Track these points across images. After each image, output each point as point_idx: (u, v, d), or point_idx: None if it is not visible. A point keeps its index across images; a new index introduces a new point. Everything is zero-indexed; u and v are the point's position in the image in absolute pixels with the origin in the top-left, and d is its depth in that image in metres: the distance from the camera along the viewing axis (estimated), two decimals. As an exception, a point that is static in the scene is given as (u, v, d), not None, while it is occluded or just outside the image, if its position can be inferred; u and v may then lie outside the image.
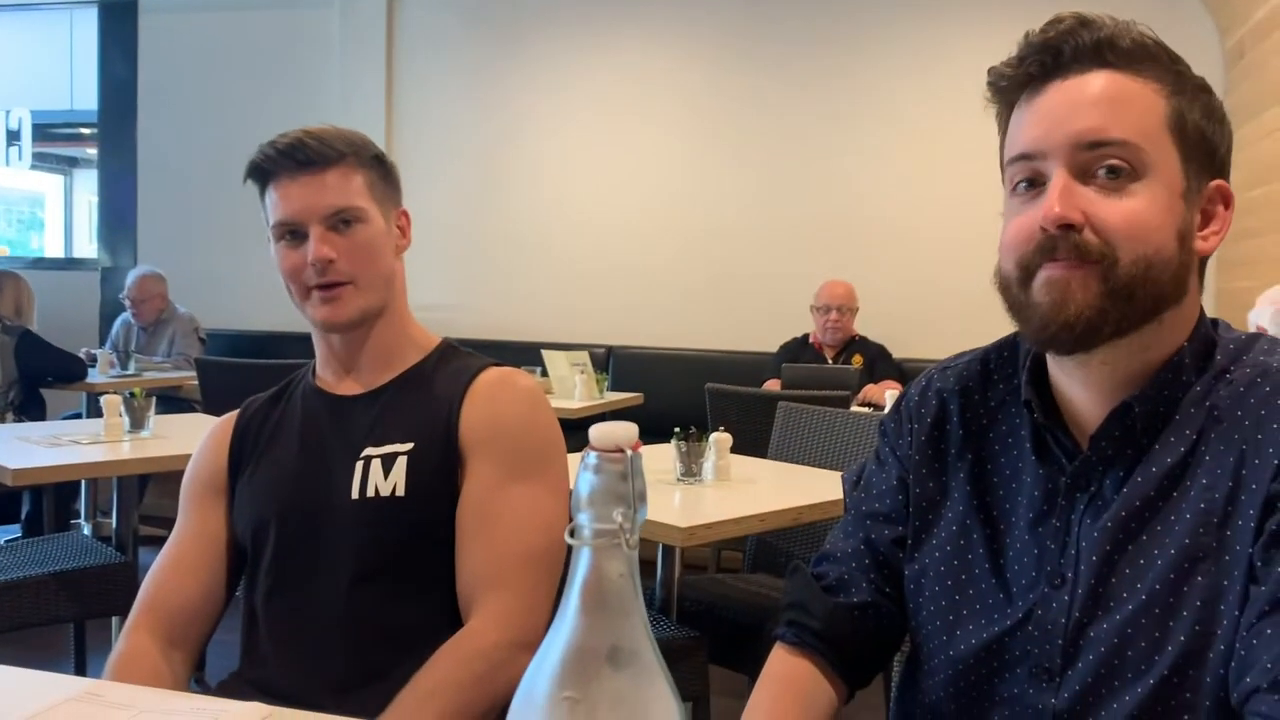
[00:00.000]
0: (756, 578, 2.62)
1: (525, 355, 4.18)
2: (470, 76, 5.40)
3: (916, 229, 4.84)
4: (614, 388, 4.63)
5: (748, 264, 5.11)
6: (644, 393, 4.54)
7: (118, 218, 5.78)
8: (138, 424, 2.75)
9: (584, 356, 4.27)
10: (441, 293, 5.03)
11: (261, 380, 3.77)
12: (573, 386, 4.09)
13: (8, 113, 6.22)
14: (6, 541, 4.07)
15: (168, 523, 4.01)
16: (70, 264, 6.44)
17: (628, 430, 0.54)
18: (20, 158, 6.27)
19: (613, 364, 5.09)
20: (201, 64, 5.68)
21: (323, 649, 1.29)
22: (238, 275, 5.53)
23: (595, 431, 0.54)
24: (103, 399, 2.75)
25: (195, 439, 2.81)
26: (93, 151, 7.28)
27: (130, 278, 4.91)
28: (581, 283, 5.36)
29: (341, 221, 1.32)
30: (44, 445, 2.60)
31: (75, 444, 2.67)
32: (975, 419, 1.00)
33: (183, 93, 5.69)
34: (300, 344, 4.66)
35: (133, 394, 2.77)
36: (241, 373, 3.90)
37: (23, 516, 4.33)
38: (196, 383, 4.19)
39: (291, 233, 1.32)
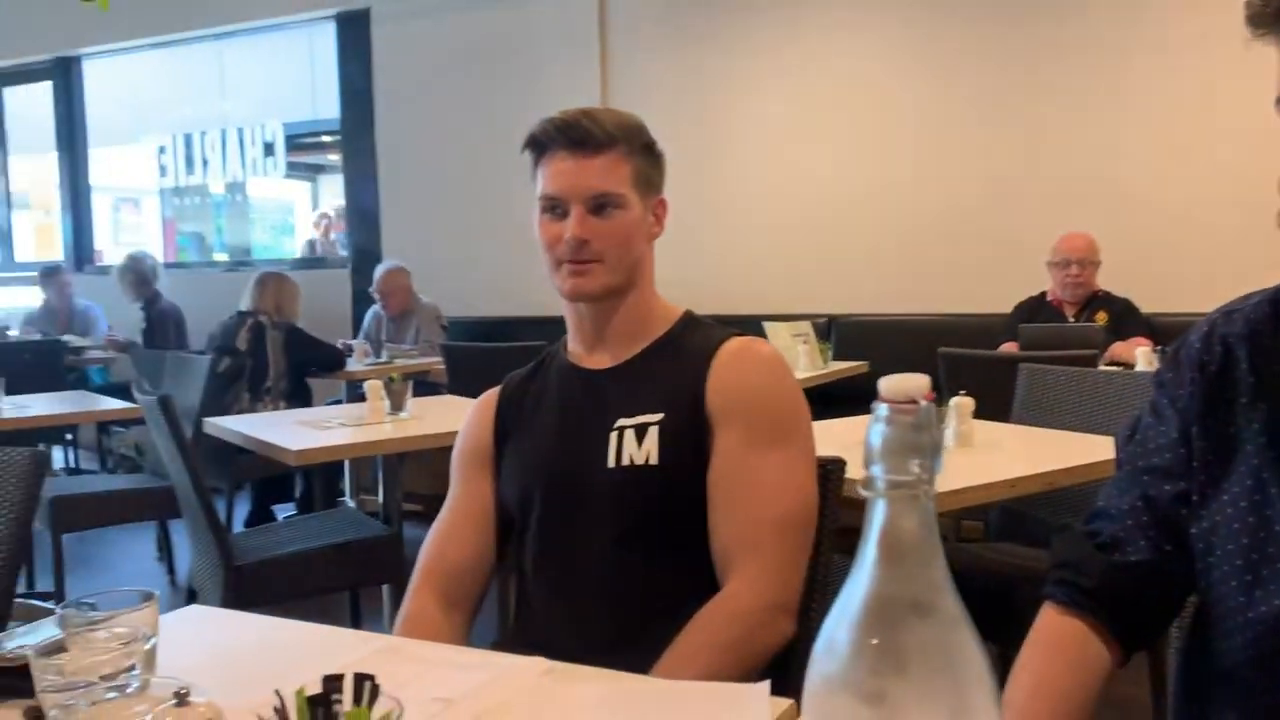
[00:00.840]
0: (1002, 546, 2.53)
1: (746, 328, 4.15)
2: (682, 49, 5.44)
3: (1159, 177, 4.50)
4: (837, 357, 4.57)
5: (973, 223, 4.91)
6: (869, 361, 4.46)
7: (363, 217, 6.21)
8: (397, 406, 2.95)
9: (806, 327, 4.23)
10: (661, 269, 5.08)
11: (501, 362, 3.97)
12: (796, 357, 4.07)
13: (263, 126, 6.79)
14: (286, 519, 4.49)
15: (423, 498, 4.27)
16: (319, 263, 6.97)
17: (919, 381, 0.55)
18: (275, 168, 6.84)
19: (835, 333, 5.02)
20: (428, 67, 6.00)
21: (587, 611, 1.35)
22: (474, 266, 5.83)
23: (885, 383, 0.55)
24: (365, 384, 2.98)
25: (448, 419, 3.00)
26: (335, 158, 7.85)
27: (377, 272, 5.27)
28: (799, 253, 5.31)
29: (601, 205, 1.37)
30: (318, 429, 2.84)
31: (344, 426, 2.90)
32: (1267, 364, 0.93)
33: (414, 95, 6.03)
34: (533, 327, 4.87)
35: (391, 379, 2.98)
36: (483, 356, 4.13)
37: (297, 495, 4.76)
38: (442, 367, 4.47)
39: (554, 207, 1.38)
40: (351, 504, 4.62)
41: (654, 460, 1.34)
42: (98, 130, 7.60)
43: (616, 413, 1.39)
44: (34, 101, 7.73)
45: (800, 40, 5.25)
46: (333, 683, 0.76)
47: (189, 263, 7.42)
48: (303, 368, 4.51)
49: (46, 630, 1.12)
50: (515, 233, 5.74)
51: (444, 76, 5.95)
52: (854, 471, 1.48)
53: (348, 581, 2.89)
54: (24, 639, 1.09)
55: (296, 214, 8.99)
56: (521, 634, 1.42)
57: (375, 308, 5.37)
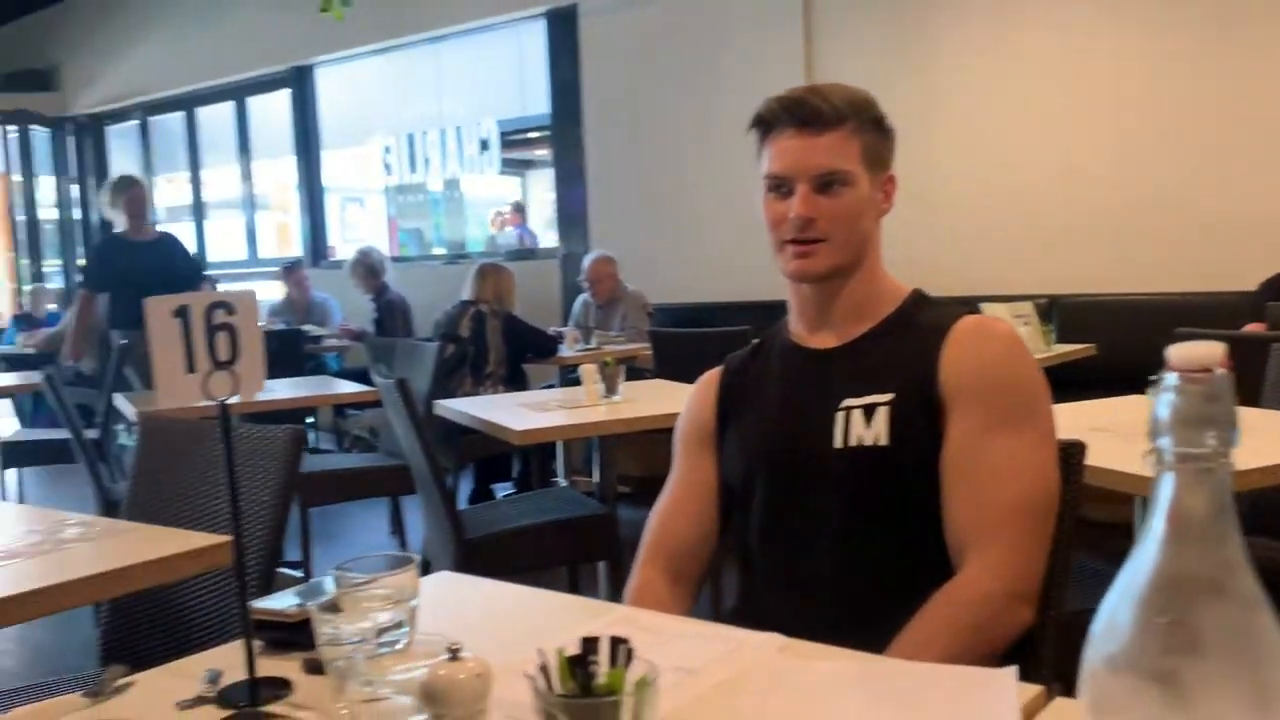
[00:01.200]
0: (1256, 540, 2.34)
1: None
2: (887, 25, 5.31)
3: None
4: (1060, 340, 4.34)
5: (1193, 196, 4.55)
6: (1095, 343, 4.21)
7: (572, 209, 6.40)
8: (611, 390, 3.03)
9: (1027, 308, 4.05)
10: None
11: (706, 346, 4.01)
12: (1018, 340, 3.89)
13: (478, 124, 7.10)
14: (504, 496, 4.70)
15: (632, 480, 4.35)
16: (528, 254, 7.23)
17: (1214, 349, 0.52)
18: (490, 164, 7.14)
19: (1056, 314, 4.77)
20: (633, 58, 6.10)
21: (815, 592, 1.35)
22: (677, 254, 5.90)
23: (1175, 351, 0.52)
24: (580, 369, 3.07)
25: (659, 401, 3.06)
26: (544, 153, 8.13)
27: (586, 261, 5.43)
28: (1013, 231, 5.08)
29: (828, 183, 1.35)
30: (538, 411, 2.96)
31: (561, 409, 3.01)
32: None
33: (620, 87, 6.15)
34: (736, 312, 4.88)
35: (606, 363, 3.06)
36: (689, 341, 4.17)
37: (514, 475, 4.97)
38: (649, 352, 4.55)
39: (779, 186, 1.38)
40: (564, 484, 4.77)
41: (883, 441, 1.32)
42: (328, 134, 8.15)
43: (843, 393, 1.37)
44: (273, 110, 8.38)
45: (1008, 10, 5.01)
46: (590, 644, 0.79)
47: (409, 257, 7.85)
48: (519, 353, 4.70)
49: (310, 592, 1.23)
50: (718, 220, 5.77)
51: (648, 66, 6.03)
52: (1095, 457, 1.41)
53: (566, 556, 3.00)
54: (295, 599, 1.19)
55: (508, 210, 9.35)
56: (745, 612, 1.44)
57: (584, 295, 5.52)
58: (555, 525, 2.85)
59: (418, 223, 8.48)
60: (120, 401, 3.78)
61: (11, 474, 5.43)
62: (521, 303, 5.00)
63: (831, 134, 1.35)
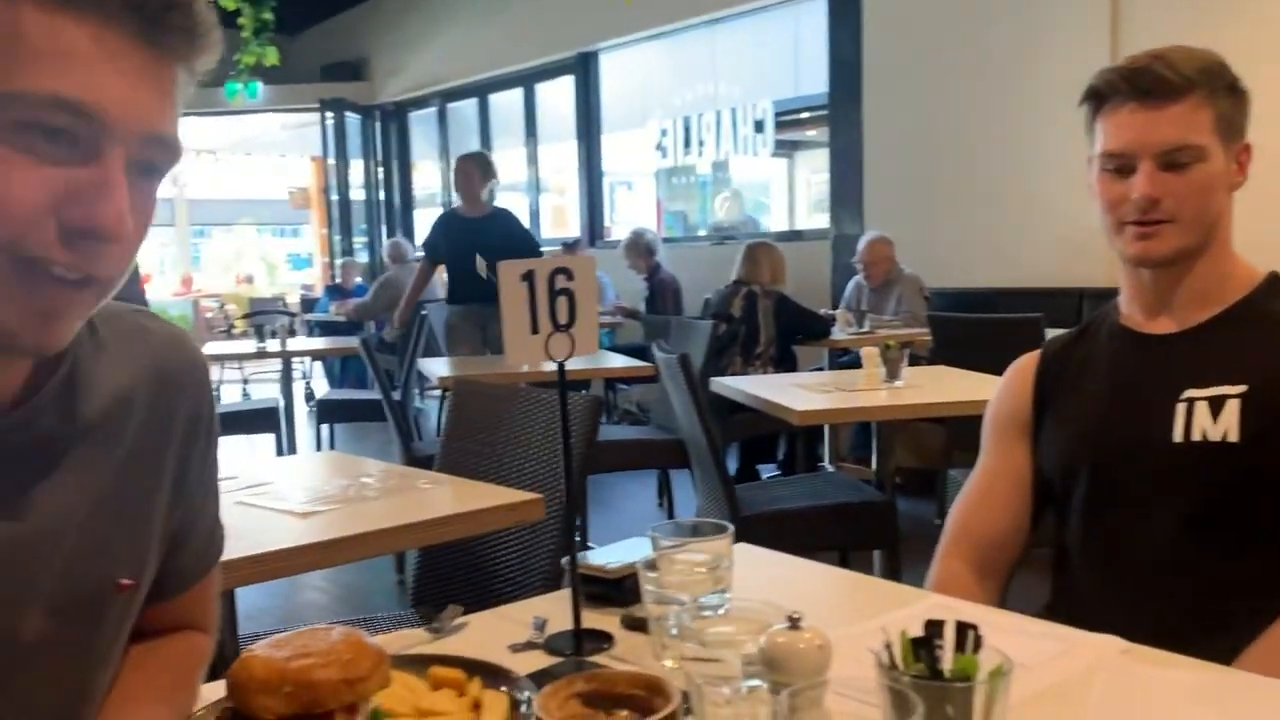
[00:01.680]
0: None
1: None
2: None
3: None
4: None
5: None
6: None
7: (846, 190, 6.28)
8: (892, 374, 2.96)
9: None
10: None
11: (990, 334, 3.82)
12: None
13: (753, 105, 7.10)
14: (769, 478, 4.71)
15: (903, 471, 4.21)
16: (794, 236, 7.17)
17: None
18: (765, 145, 7.13)
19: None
20: (919, 33, 5.88)
21: (1148, 595, 1.25)
22: (957, 237, 5.66)
23: None
24: (862, 351, 3.01)
25: (943, 389, 2.95)
26: (812, 134, 8.01)
27: (861, 243, 5.31)
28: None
29: (1176, 160, 1.24)
30: (816, 392, 2.93)
31: (841, 391, 2.96)
32: None
33: (903, 63, 5.96)
34: (1020, 299, 4.61)
35: (888, 346, 2.99)
36: (974, 327, 4.00)
37: (779, 457, 4.97)
38: (926, 337, 4.40)
39: (1118, 164, 1.28)
40: (830, 469, 4.72)
41: (1233, 437, 1.20)
42: (608, 118, 8.43)
43: (1184, 382, 1.26)
44: (557, 95, 8.76)
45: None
46: (934, 627, 0.77)
47: (675, 238, 7.99)
48: (790, 334, 4.68)
49: (616, 553, 1.27)
50: (1000, 202, 5.48)
51: (935, 41, 5.80)
52: None
53: (840, 542, 2.96)
54: (614, 557, 1.24)
55: (773, 192, 9.34)
56: (1061, 611, 1.36)
57: (857, 278, 5.41)
58: (832, 510, 2.82)
59: (684, 206, 8.62)
60: (424, 366, 4.08)
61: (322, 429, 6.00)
62: (790, 285, 4.97)
63: (1178, 105, 1.24)
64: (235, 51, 8.86)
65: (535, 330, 1.06)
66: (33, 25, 0.65)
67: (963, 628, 0.76)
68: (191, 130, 10.51)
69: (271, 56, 8.93)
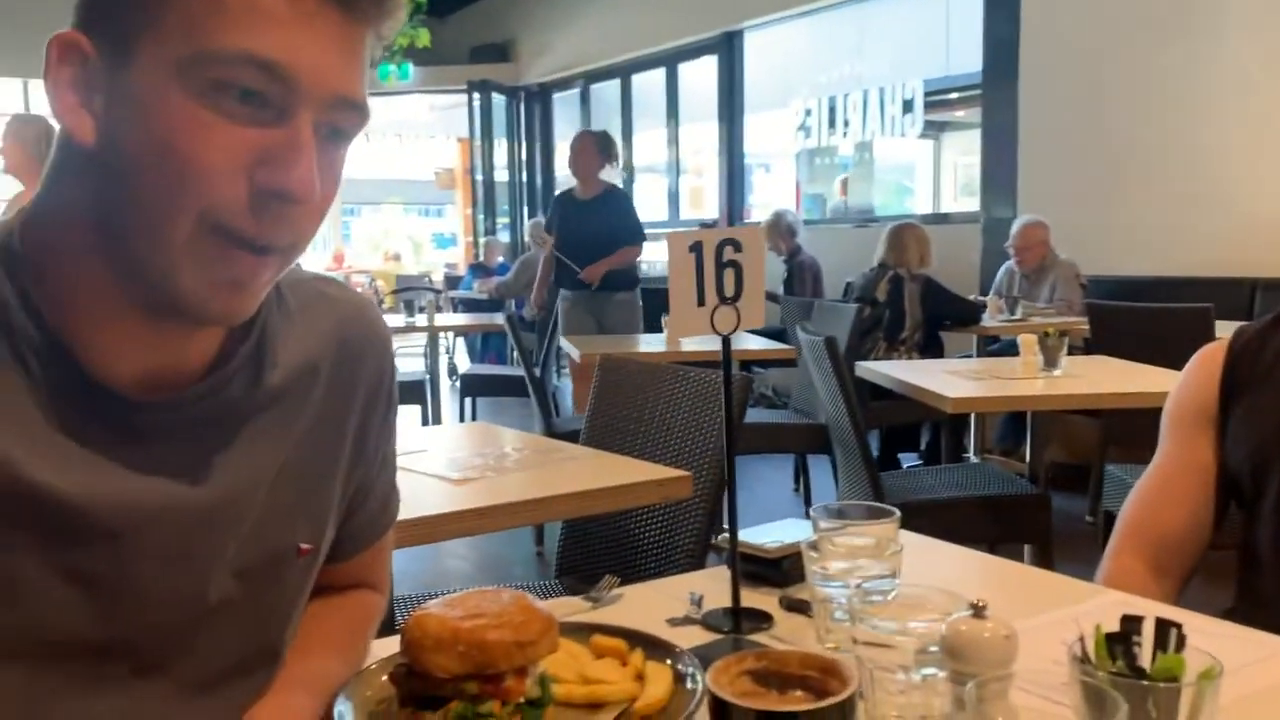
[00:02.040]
0: None
1: None
2: None
3: None
4: None
5: None
6: None
7: (998, 172, 6.05)
8: (1051, 363, 2.83)
9: None
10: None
11: (1154, 324, 3.62)
12: None
13: (902, 84, 6.90)
14: (910, 467, 4.59)
15: (1054, 465, 4.03)
16: (940, 219, 6.95)
17: None
18: (913, 125, 6.92)
19: None
20: (1084, 12, 5.61)
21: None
22: (1114, 222, 5.39)
23: None
24: (1020, 338, 2.90)
25: (1103, 380, 2.81)
26: (960, 114, 7.73)
27: (1015, 227, 5.11)
28: None
29: None
30: (970, 379, 2.83)
31: (995, 379, 2.85)
32: None
33: (1065, 39, 5.69)
34: (1185, 289, 4.36)
35: (1047, 334, 2.86)
36: (1133, 317, 3.80)
37: (922, 446, 4.84)
38: (1082, 326, 4.20)
39: None
40: (975, 460, 4.57)
41: None
42: (750, 98, 8.33)
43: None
44: (699, 75, 8.71)
45: None
46: (1132, 623, 0.72)
47: (813, 220, 7.86)
48: (938, 320, 4.54)
49: (769, 533, 1.24)
50: (1163, 188, 5.19)
51: (1100, 16, 5.51)
52: None
53: (988, 535, 2.85)
54: (771, 536, 1.22)
55: (917, 174, 9.08)
56: (1245, 616, 1.26)
57: (1009, 263, 5.21)
58: (981, 501, 2.72)
59: (823, 188, 8.47)
60: (564, 343, 4.12)
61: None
62: (934, 269, 4.82)
63: None
64: (389, 32, 9.12)
65: (701, 302, 1.05)
66: None
67: (1164, 625, 0.71)
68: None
69: (423, 38, 9.14)
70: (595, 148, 5.02)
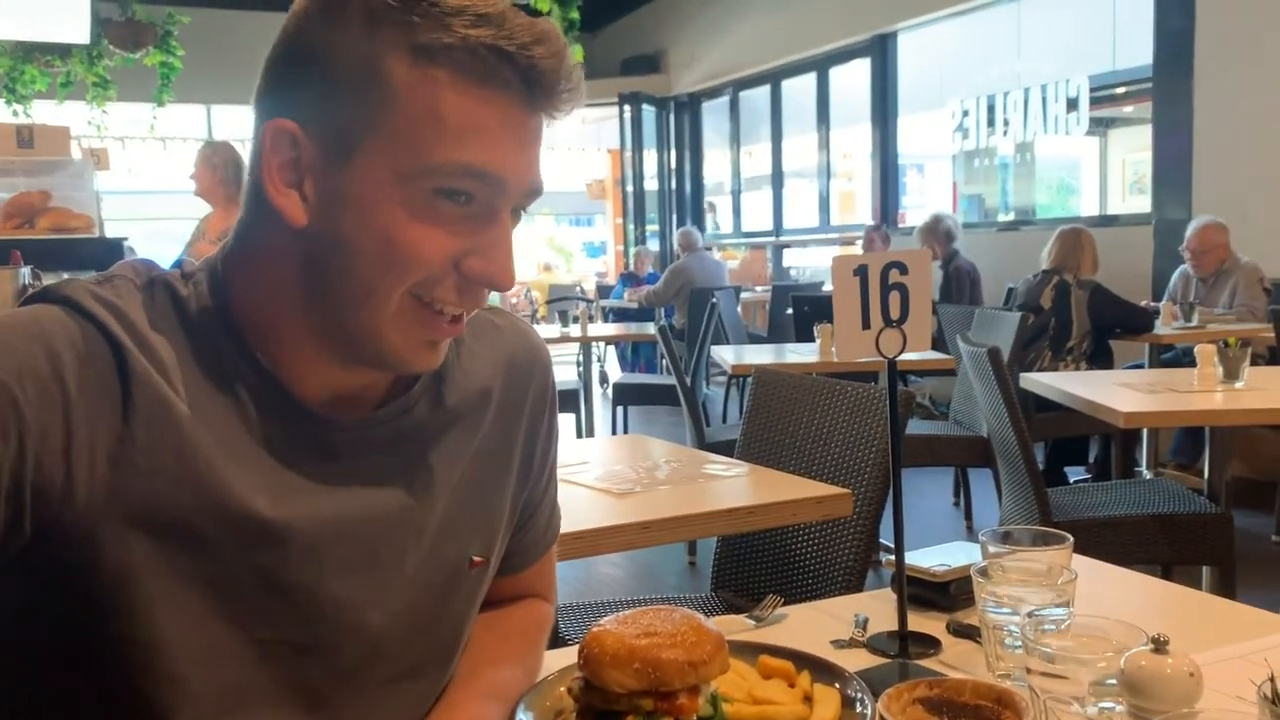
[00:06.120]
0: None
1: None
2: None
3: None
4: None
5: None
6: None
7: (1171, 171, 5.74)
8: (1231, 375, 2.68)
9: None
10: None
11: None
12: None
13: (1066, 81, 6.63)
14: (1077, 482, 4.40)
15: (1236, 482, 3.82)
16: (1108, 221, 6.64)
17: None
18: (1078, 123, 6.64)
19: None
20: (1261, 4, 5.27)
21: None
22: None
23: None
24: (1197, 349, 2.75)
25: (1297, 393, 2.63)
26: (1129, 110, 7.36)
27: (1190, 229, 4.84)
28: None
29: None
30: (1144, 392, 2.70)
31: (1171, 391, 2.72)
32: None
33: (1244, 30, 5.36)
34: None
35: (1227, 344, 2.71)
36: (1328, 324, 3.55)
37: (1091, 460, 4.64)
38: (1267, 334, 3.95)
39: None
40: (1148, 475, 4.35)
41: None
42: (904, 100, 8.17)
43: None
44: (850, 79, 8.60)
45: None
46: (1331, 665, 0.69)
47: (971, 223, 7.63)
48: (1107, 328, 4.35)
49: (933, 556, 1.23)
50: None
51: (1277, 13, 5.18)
52: None
53: (1164, 556, 2.72)
54: (936, 559, 1.20)
55: (1082, 173, 8.68)
56: None
57: (1183, 267, 4.94)
58: (1156, 520, 2.60)
59: (981, 189, 8.21)
60: (715, 353, 4.15)
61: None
62: (1104, 274, 4.61)
63: None
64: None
65: (866, 325, 1.05)
66: (451, 109, 0.73)
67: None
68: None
69: (577, 54, 9.30)
70: None
